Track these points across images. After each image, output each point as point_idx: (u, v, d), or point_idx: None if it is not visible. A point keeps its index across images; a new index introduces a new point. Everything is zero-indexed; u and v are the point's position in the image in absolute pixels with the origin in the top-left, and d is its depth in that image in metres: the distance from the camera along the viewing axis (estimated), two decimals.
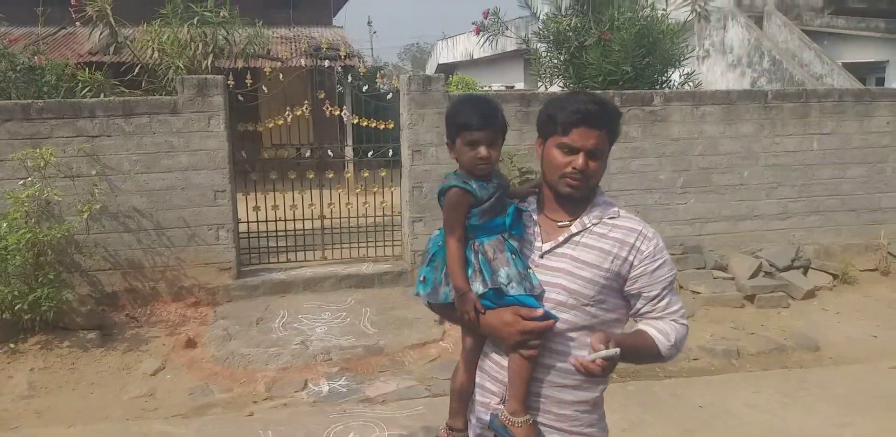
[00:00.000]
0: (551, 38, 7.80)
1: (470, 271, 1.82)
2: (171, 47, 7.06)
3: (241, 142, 6.62)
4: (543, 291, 1.81)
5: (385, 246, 6.78)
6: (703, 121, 6.79)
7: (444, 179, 1.90)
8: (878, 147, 7.24)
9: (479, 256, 1.82)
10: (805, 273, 6.72)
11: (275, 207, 6.50)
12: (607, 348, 1.68)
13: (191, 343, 5.36)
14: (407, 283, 6.34)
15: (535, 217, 1.92)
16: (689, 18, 8.09)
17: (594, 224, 1.86)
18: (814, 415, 4.26)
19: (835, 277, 6.75)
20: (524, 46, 8.54)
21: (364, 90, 6.92)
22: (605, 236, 1.84)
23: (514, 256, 1.81)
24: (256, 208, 6.46)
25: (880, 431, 4.07)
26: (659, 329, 1.86)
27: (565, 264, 1.83)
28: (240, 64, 8.09)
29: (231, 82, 6.23)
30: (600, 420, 1.95)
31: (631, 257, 1.83)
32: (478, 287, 1.80)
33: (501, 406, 1.86)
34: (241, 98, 6.42)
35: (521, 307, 1.77)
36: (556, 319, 1.77)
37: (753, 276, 6.47)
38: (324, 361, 5.09)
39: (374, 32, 47.43)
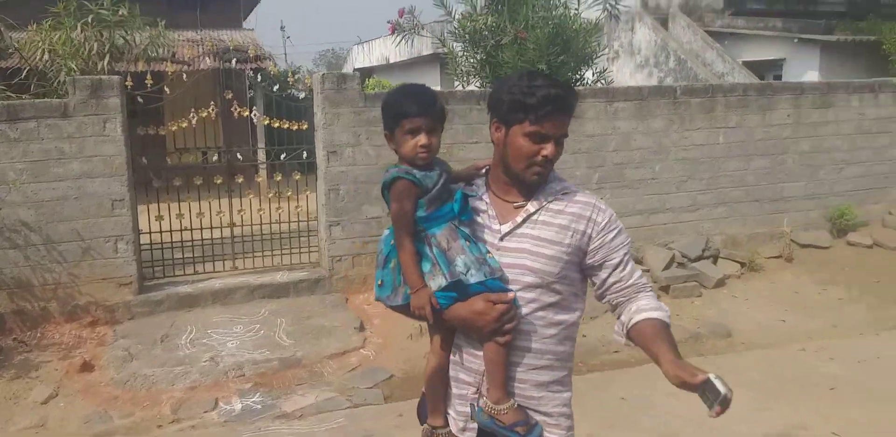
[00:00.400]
0: (467, 37, 7.74)
1: (429, 266, 1.77)
2: (62, 48, 6.59)
3: (142, 147, 6.22)
4: (503, 273, 1.79)
5: (301, 253, 6.52)
6: (617, 117, 6.88)
7: (385, 173, 1.84)
8: (780, 139, 7.53)
9: (434, 248, 1.77)
10: (715, 263, 6.90)
11: (180, 215, 6.13)
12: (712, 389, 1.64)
13: (87, 367, 4.96)
14: (324, 290, 6.12)
15: (487, 200, 1.90)
16: (601, 18, 8.20)
17: (549, 202, 1.86)
18: (732, 401, 4.30)
19: (742, 265, 6.95)
20: (441, 50, 8.46)
21: (275, 91, 6.64)
22: (561, 212, 1.85)
23: (468, 242, 1.78)
24: (160, 218, 6.08)
25: (796, 414, 4.15)
26: (652, 306, 1.85)
27: (526, 243, 1.82)
28: (141, 66, 7.65)
29: (129, 84, 5.85)
30: (569, 401, 1.96)
31: (589, 230, 1.84)
32: (440, 281, 1.75)
33: (477, 396, 1.85)
34: (140, 100, 6.04)
35: (490, 294, 1.74)
36: (515, 303, 1.78)
37: (667, 267, 6.59)
38: (236, 377, 4.81)
39: (288, 37, 46.39)
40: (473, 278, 1.73)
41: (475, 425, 1.88)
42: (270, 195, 6.47)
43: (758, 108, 7.40)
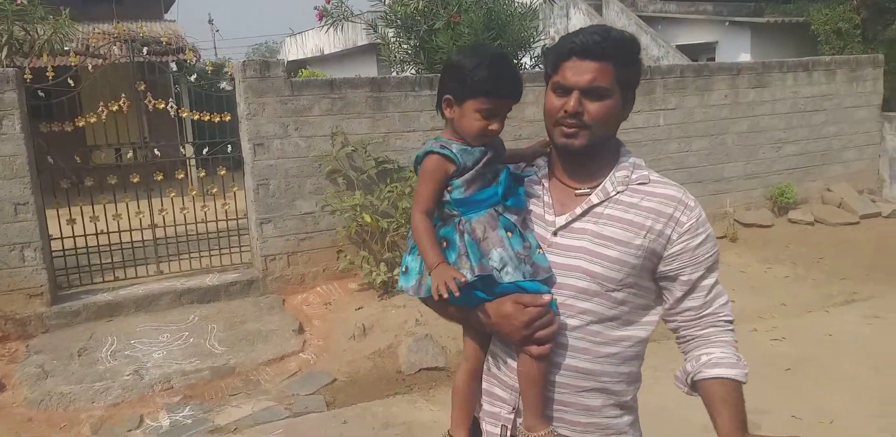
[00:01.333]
0: (399, 22, 7.44)
1: (454, 256, 1.48)
2: None
3: (48, 146, 5.69)
4: (552, 275, 1.48)
5: (232, 253, 6.11)
6: None
7: (424, 145, 1.56)
8: (719, 120, 7.50)
9: (466, 236, 1.48)
10: None
11: (94, 218, 5.64)
12: None
13: None
14: (259, 292, 5.74)
15: (545, 184, 1.58)
16: (536, 2, 8.01)
17: (620, 191, 1.51)
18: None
19: None
20: (376, 40, 8.12)
21: (199, 83, 6.18)
22: (635, 206, 1.50)
23: (509, 234, 1.47)
24: (71, 221, 5.58)
25: (751, 396, 3.94)
26: (729, 359, 1.51)
27: (585, 241, 1.49)
28: (45, 60, 7.06)
29: (29, 77, 5.32)
30: (635, 423, 1.63)
31: (669, 231, 1.49)
32: (467, 275, 1.44)
33: (513, 416, 1.55)
34: (41, 94, 5.52)
35: (523, 294, 1.44)
36: (554, 308, 1.46)
37: None
38: (163, 390, 4.42)
39: (217, 30, 45.08)
40: (508, 276, 1.45)
41: None
42: (194, 193, 6.03)
43: (695, 89, 7.35)
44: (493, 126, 1.51)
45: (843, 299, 5.73)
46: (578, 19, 13.19)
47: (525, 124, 6.58)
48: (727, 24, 12.38)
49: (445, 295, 1.41)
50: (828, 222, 7.59)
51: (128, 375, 4.53)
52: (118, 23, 7.44)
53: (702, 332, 1.56)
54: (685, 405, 3.95)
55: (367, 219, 5.57)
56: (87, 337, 5.03)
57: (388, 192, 5.73)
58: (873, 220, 7.80)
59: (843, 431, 3.61)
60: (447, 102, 1.55)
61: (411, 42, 7.51)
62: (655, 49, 12.23)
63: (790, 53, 10.33)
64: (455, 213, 1.52)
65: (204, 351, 4.85)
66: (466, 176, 1.51)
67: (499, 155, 1.58)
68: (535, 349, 1.46)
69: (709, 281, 1.53)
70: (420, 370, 4.59)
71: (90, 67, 5.81)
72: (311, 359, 4.85)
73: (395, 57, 7.79)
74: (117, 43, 6.71)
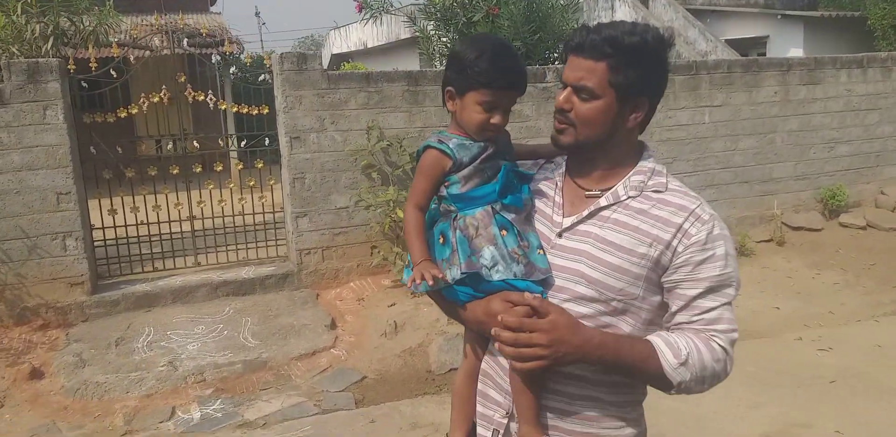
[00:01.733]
0: (438, 15, 7.36)
1: (448, 253, 1.47)
2: (2, 31, 6.12)
3: (93, 136, 5.78)
4: (550, 278, 1.43)
5: (268, 247, 6.14)
6: None
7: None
8: (767, 117, 7.23)
9: (458, 233, 1.46)
10: None
11: (134, 209, 5.72)
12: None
13: (36, 374, 4.59)
14: (293, 286, 5.75)
15: (559, 184, 1.53)
16: None
17: (633, 197, 1.45)
18: (726, 398, 4.04)
19: None
20: (418, 34, 8.07)
21: (241, 75, 6.20)
22: (644, 213, 1.43)
23: (503, 232, 1.44)
24: (112, 212, 5.67)
25: (793, 409, 3.89)
26: (669, 341, 1.39)
27: (588, 245, 1.43)
28: (90, 51, 7.19)
29: (72, 67, 5.41)
30: (638, 436, 1.54)
31: (676, 243, 1.40)
32: (454, 272, 1.44)
33: (506, 421, 1.50)
34: (85, 85, 5.60)
35: (512, 292, 1.40)
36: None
37: None
38: (196, 383, 4.46)
39: (263, 23, 45.59)
40: (498, 274, 1.41)
41: None
42: (232, 186, 6.07)
43: (743, 85, 7.10)
44: (495, 119, 1.48)
45: (895, 309, 5.48)
46: (623, 12, 12.92)
47: None
48: (779, 17, 12.00)
49: (415, 290, 1.44)
50: (881, 227, 7.27)
51: (162, 366, 4.58)
52: (162, 14, 7.52)
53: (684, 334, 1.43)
54: (723, 416, 3.85)
55: (401, 214, 5.52)
56: (126, 327, 5.11)
57: None
58: None
59: None
60: (448, 94, 1.53)
61: (450, 35, 7.42)
62: (703, 43, 11.92)
63: (845, 49, 9.94)
64: (453, 208, 1.50)
65: (237, 344, 4.88)
66: (464, 172, 1.49)
67: (502, 151, 1.54)
68: (517, 365, 1.37)
69: (708, 303, 1.41)
70: (450, 370, 4.53)
71: (133, 59, 5.88)
72: (342, 355, 4.84)
73: (435, 50, 7.72)
74: (159, 34, 6.77)
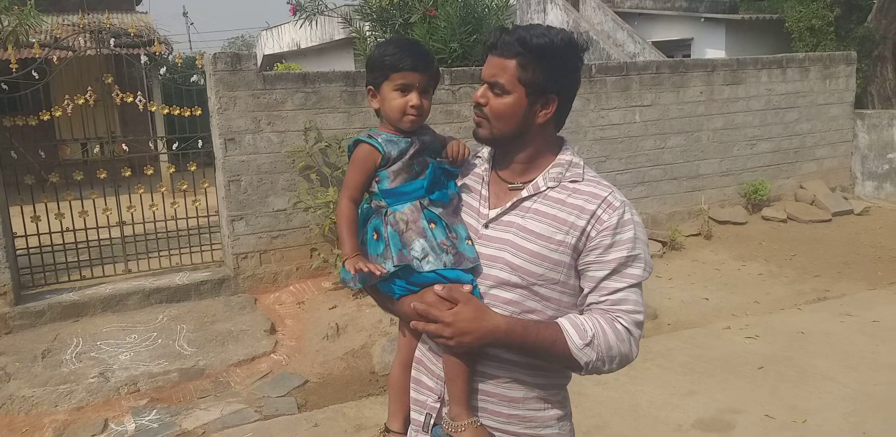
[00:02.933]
0: (374, 16, 7.34)
1: (381, 248, 1.54)
2: None
3: (12, 140, 5.52)
4: (479, 266, 1.51)
5: (202, 252, 5.98)
6: None
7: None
8: (694, 116, 7.51)
9: (389, 228, 1.53)
10: None
11: (59, 215, 5.48)
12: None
13: None
14: (230, 291, 5.63)
15: (485, 178, 1.62)
16: None
17: (551, 187, 1.54)
18: (661, 387, 4.18)
19: (664, 244, 6.90)
20: (352, 34, 8.01)
21: (170, 76, 6.01)
22: (562, 203, 1.52)
23: (432, 225, 1.52)
24: (36, 219, 5.42)
25: (724, 395, 4.04)
26: (575, 323, 1.47)
27: (511, 234, 1.52)
28: (9, 52, 6.85)
29: None
30: (563, 419, 1.62)
31: (589, 228, 1.50)
32: (388, 266, 1.51)
33: (439, 405, 1.58)
34: (5, 87, 5.34)
35: (443, 285, 1.48)
36: (477, 295, 1.50)
37: None
38: (129, 393, 4.31)
39: (192, 23, 44.36)
40: (428, 265, 1.48)
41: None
42: (163, 190, 5.89)
43: (671, 85, 7.35)
44: (413, 101, 1.56)
45: (816, 297, 5.77)
46: (555, 15, 13.16)
47: None
48: (702, 20, 12.45)
49: (352, 286, 1.57)
50: (801, 220, 7.65)
51: (93, 377, 4.41)
52: (86, 13, 7.23)
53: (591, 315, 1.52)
54: (659, 404, 3.98)
55: None
56: (52, 338, 4.89)
57: None
58: (846, 217, 7.89)
59: (816, 429, 3.62)
60: (370, 93, 1.63)
61: (386, 36, 7.42)
62: (632, 45, 12.25)
63: (764, 51, 10.40)
64: (383, 204, 1.57)
65: (172, 352, 4.75)
66: (393, 167, 1.56)
67: (430, 147, 1.62)
68: (439, 342, 1.48)
69: (615, 284, 1.50)
70: None
71: (56, 60, 5.64)
72: (283, 360, 4.76)
73: (371, 50, 7.69)
74: (84, 34, 6.52)
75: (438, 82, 1.64)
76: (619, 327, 1.48)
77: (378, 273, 1.49)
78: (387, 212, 1.56)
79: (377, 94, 1.61)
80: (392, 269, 1.50)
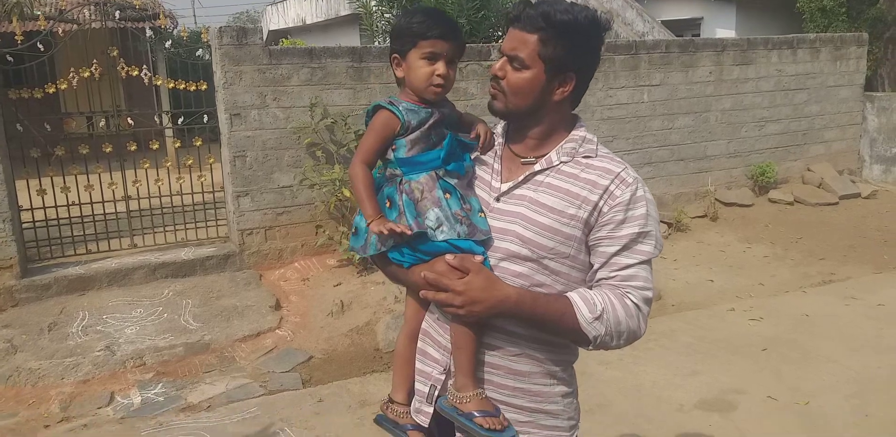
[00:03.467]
0: None
1: (395, 216, 1.54)
2: None
3: (18, 113, 5.48)
4: (490, 239, 1.52)
5: (208, 227, 5.98)
6: None
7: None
8: (703, 97, 7.43)
9: (404, 196, 1.53)
10: None
11: (65, 189, 5.48)
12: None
13: None
14: (235, 267, 5.64)
15: (498, 152, 1.62)
16: None
17: (564, 162, 1.54)
18: (665, 367, 4.19)
19: (669, 225, 6.88)
20: (358, 10, 7.91)
21: (174, 50, 5.95)
22: (574, 177, 1.52)
23: (447, 195, 1.52)
24: (42, 192, 5.41)
25: (727, 376, 4.06)
26: (585, 297, 1.48)
27: (523, 208, 1.52)
28: (16, 24, 6.77)
29: None
30: (568, 396, 1.63)
31: (601, 203, 1.50)
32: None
33: (444, 377, 1.59)
34: (10, 59, 5.29)
35: (453, 254, 1.48)
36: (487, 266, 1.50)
37: None
38: (135, 367, 4.34)
39: None
40: (442, 234, 1.49)
41: (431, 409, 1.62)
42: (169, 165, 5.87)
43: (680, 65, 7.26)
44: (440, 70, 1.55)
45: (821, 280, 5.76)
46: None
47: None
48: None
49: (362, 254, 1.58)
50: (807, 203, 7.61)
51: (99, 351, 4.44)
52: None
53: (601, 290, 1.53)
54: (662, 384, 3.99)
55: (347, 194, 5.47)
56: (58, 312, 4.92)
57: None
58: (852, 200, 7.85)
59: (818, 411, 3.64)
60: (395, 61, 1.61)
61: (393, 11, 7.33)
62: (641, 24, 12.09)
63: (775, 31, 10.25)
64: (398, 173, 1.57)
65: (178, 327, 4.77)
66: (411, 136, 1.56)
67: (448, 120, 1.62)
68: (448, 311, 1.49)
69: (626, 260, 1.50)
70: None
71: (61, 32, 5.58)
72: (288, 336, 4.78)
73: (378, 27, 7.62)
74: (89, 7, 6.44)
75: (463, 54, 1.62)
76: (628, 302, 1.48)
77: (403, 233, 1.48)
78: (402, 181, 1.56)
79: (402, 62, 1.59)
80: (408, 235, 1.50)
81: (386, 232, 1.49)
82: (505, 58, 1.52)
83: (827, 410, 3.65)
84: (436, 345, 1.62)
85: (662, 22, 12.25)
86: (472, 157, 1.63)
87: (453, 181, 1.55)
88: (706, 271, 6.04)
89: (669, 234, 6.79)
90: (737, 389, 3.90)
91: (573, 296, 1.49)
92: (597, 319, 1.46)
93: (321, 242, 5.72)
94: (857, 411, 3.63)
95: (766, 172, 7.67)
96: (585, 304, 1.46)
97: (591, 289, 1.53)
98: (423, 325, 1.66)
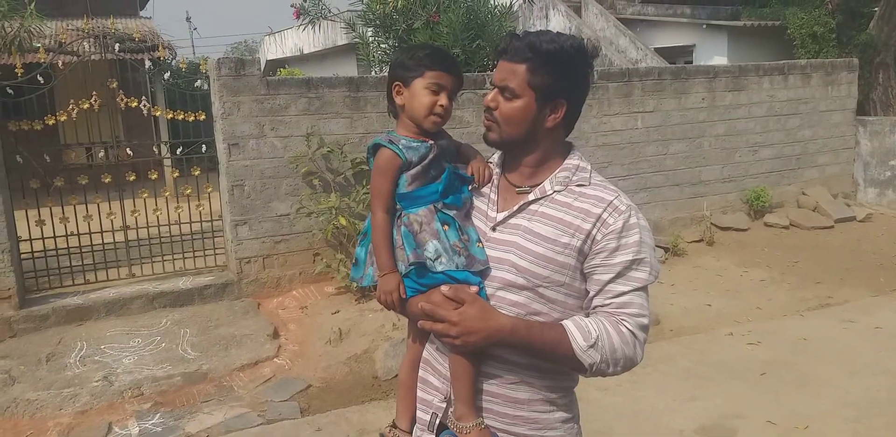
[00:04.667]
0: (377, 22, 7.38)
1: (394, 249, 1.59)
2: None
3: (17, 145, 5.54)
4: (488, 268, 1.54)
5: (206, 256, 6.01)
6: None
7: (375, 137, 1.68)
8: (696, 123, 7.53)
9: (403, 228, 1.58)
10: None
11: (64, 219, 5.51)
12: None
13: None
14: (233, 296, 5.64)
15: (495, 181, 1.65)
16: (515, 1, 8.00)
17: (558, 191, 1.56)
18: (664, 392, 4.18)
19: (666, 250, 6.91)
20: (355, 40, 8.06)
21: (173, 81, 6.05)
22: (568, 206, 1.54)
23: (445, 227, 1.56)
24: (41, 223, 5.45)
25: (726, 401, 4.05)
26: (580, 325, 1.49)
27: (518, 237, 1.55)
28: (14, 57, 6.87)
29: None
30: (569, 421, 1.63)
31: (595, 231, 1.51)
32: (400, 267, 1.57)
33: (445, 405, 1.60)
34: (10, 91, 5.37)
35: (451, 285, 1.51)
36: (483, 297, 1.52)
37: None
38: (133, 397, 4.32)
39: (195, 28, 44.46)
40: (441, 266, 1.52)
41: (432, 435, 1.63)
42: (167, 194, 5.92)
43: (673, 91, 7.37)
44: (442, 101, 1.59)
45: (818, 303, 5.77)
46: (557, 21, 13.21)
47: None
48: (704, 27, 12.49)
49: (360, 284, 1.63)
50: (803, 226, 7.66)
51: (97, 381, 4.42)
52: (90, 19, 7.25)
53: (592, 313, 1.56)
54: (661, 410, 3.98)
55: (343, 222, 5.51)
56: (56, 342, 4.91)
57: (365, 194, 5.67)
58: (848, 224, 7.90)
59: (818, 435, 3.62)
60: (397, 89, 1.64)
61: (390, 42, 7.45)
62: (634, 51, 12.29)
63: (766, 57, 10.42)
64: (397, 207, 1.60)
65: (176, 356, 4.76)
66: (412, 172, 1.59)
67: (445, 152, 1.65)
68: (445, 341, 1.51)
69: (620, 287, 1.51)
70: (397, 375, 4.53)
71: (61, 64, 5.67)
72: (286, 364, 4.77)
73: (374, 57, 7.73)
74: (89, 39, 6.56)
75: (461, 89, 1.67)
76: (623, 330, 1.49)
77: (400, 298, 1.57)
78: (400, 214, 1.60)
79: (404, 90, 1.62)
80: (405, 270, 1.54)
81: (391, 299, 1.56)
82: (496, 89, 1.56)
83: (827, 434, 3.63)
84: (436, 374, 1.63)
85: (655, 49, 12.46)
86: (469, 188, 1.66)
87: (451, 213, 1.58)
88: (703, 295, 6.05)
89: (666, 258, 6.81)
90: (736, 414, 3.89)
91: (568, 324, 1.50)
92: (591, 346, 1.47)
93: (319, 269, 5.73)
94: (857, 434, 3.62)
95: (761, 197, 7.73)
96: (580, 332, 1.48)
97: (587, 316, 1.54)
98: (424, 354, 1.68)
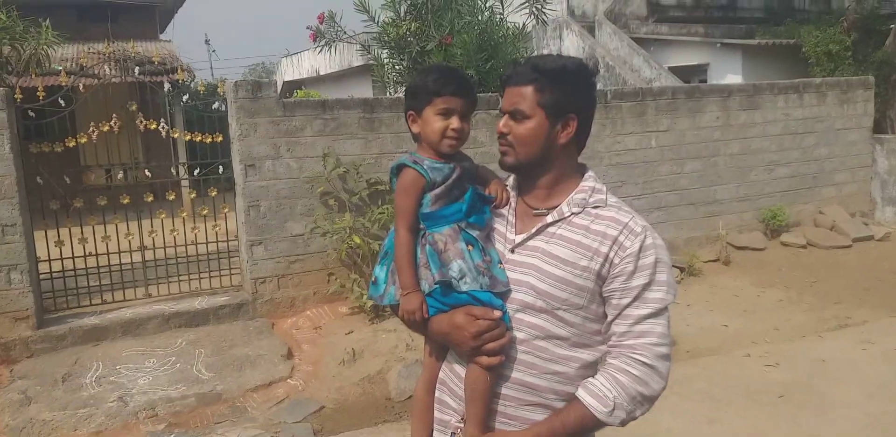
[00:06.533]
0: (392, 43, 7.48)
1: (417, 268, 1.60)
2: None
3: (38, 166, 5.65)
4: (509, 290, 1.55)
5: (221, 276, 6.05)
6: None
7: (399, 158, 1.70)
8: (710, 141, 7.51)
9: (427, 247, 1.59)
10: None
11: (83, 240, 5.59)
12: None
13: None
14: (248, 316, 5.67)
15: (512, 204, 1.67)
16: (528, 22, 8.08)
17: (575, 213, 1.58)
18: (681, 415, 4.13)
19: (682, 270, 6.86)
20: (370, 61, 8.17)
21: (193, 103, 6.15)
22: (585, 229, 1.56)
23: (470, 247, 1.57)
24: (59, 243, 5.52)
25: (744, 424, 3.99)
26: (593, 392, 1.51)
27: (536, 259, 1.56)
28: (34, 78, 7.01)
29: (19, 97, 5.29)
30: None
31: (612, 254, 1.53)
32: (423, 286, 1.58)
33: (462, 424, 1.59)
34: (32, 114, 5.48)
35: (474, 307, 1.52)
36: (507, 322, 1.53)
37: None
38: (147, 418, 4.33)
39: (213, 51, 45.14)
40: (465, 285, 1.53)
41: None
42: (184, 215, 5.98)
43: (687, 110, 7.37)
44: (454, 124, 1.62)
45: (837, 324, 5.70)
46: (571, 41, 13.30)
47: None
48: (718, 45, 12.49)
49: (380, 302, 1.64)
50: (820, 245, 7.58)
51: (112, 401, 4.45)
52: (111, 42, 7.40)
53: (611, 360, 1.55)
54: (678, 433, 3.93)
55: (358, 241, 5.54)
56: (73, 362, 4.95)
57: (380, 214, 5.70)
58: (866, 243, 7.81)
59: None
60: (411, 118, 1.68)
61: (404, 63, 7.54)
62: (648, 71, 12.32)
63: (781, 75, 10.41)
64: (421, 226, 1.62)
65: (190, 377, 4.78)
66: (436, 191, 1.61)
67: (468, 174, 1.67)
68: (484, 360, 1.52)
69: (639, 312, 1.52)
70: (410, 397, 4.52)
71: (82, 87, 5.79)
72: (300, 385, 4.77)
73: (389, 78, 7.82)
74: (109, 63, 6.69)
75: (475, 108, 1.69)
76: (639, 369, 1.50)
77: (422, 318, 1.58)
78: (424, 233, 1.61)
79: (418, 118, 1.66)
80: (429, 289, 1.56)
81: (413, 318, 1.57)
82: (506, 115, 1.59)
83: None
84: (452, 394, 1.64)
85: (669, 68, 12.47)
86: (490, 209, 1.68)
87: (475, 233, 1.60)
88: (720, 315, 5.99)
89: (682, 278, 6.77)
90: (754, 436, 3.83)
91: (582, 396, 1.51)
92: (613, 410, 1.49)
93: (333, 289, 5.75)
94: None
95: (777, 216, 7.67)
96: (597, 400, 1.49)
97: (603, 344, 1.56)
98: (441, 374, 1.68)
